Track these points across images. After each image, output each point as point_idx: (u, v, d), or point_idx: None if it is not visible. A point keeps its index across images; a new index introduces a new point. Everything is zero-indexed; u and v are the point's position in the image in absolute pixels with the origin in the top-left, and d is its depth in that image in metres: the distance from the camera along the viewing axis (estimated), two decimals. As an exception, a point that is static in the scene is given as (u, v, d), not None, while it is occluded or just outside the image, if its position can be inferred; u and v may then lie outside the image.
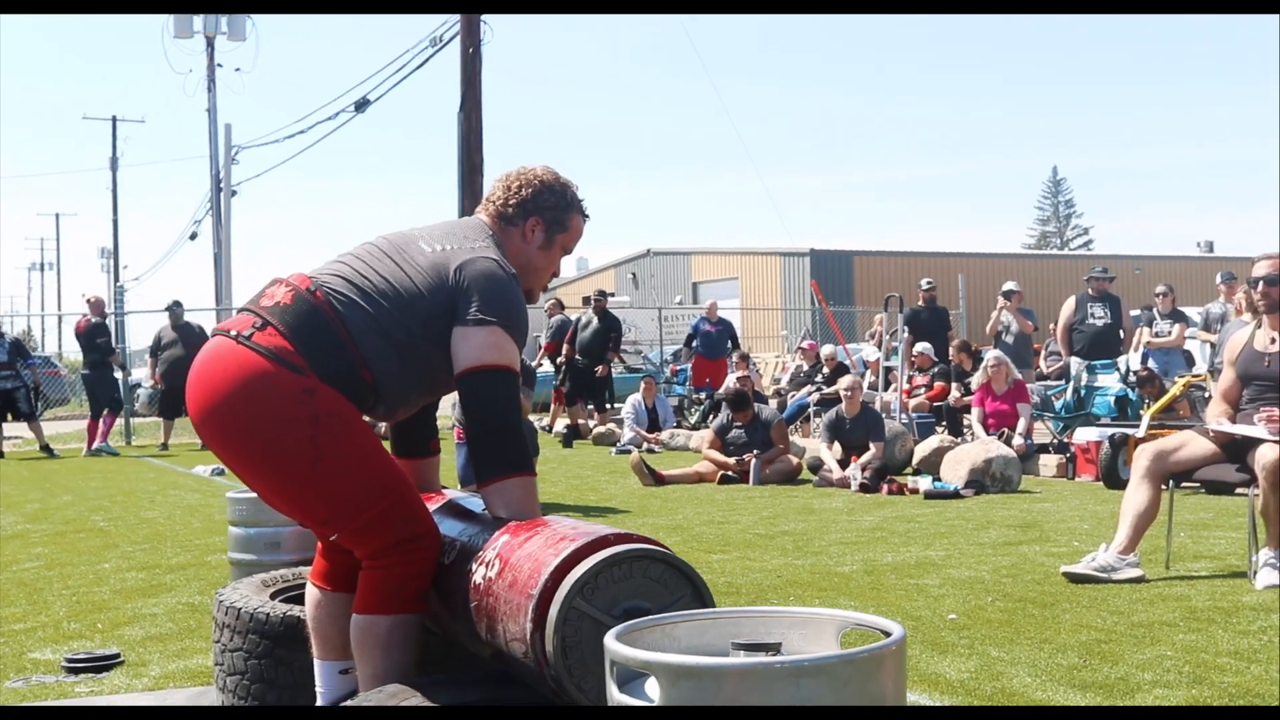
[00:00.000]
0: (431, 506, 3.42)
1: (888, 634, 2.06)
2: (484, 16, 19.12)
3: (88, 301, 17.72)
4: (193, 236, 36.92)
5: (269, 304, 3.16)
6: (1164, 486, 6.35)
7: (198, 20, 33.69)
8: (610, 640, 2.06)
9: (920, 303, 16.59)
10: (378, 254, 3.27)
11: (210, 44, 33.85)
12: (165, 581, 6.72)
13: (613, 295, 43.84)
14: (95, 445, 17.06)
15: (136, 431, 19.90)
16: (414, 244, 3.28)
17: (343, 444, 3.06)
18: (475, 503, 3.47)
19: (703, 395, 18.63)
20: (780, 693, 1.89)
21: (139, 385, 21.19)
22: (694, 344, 19.63)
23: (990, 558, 6.92)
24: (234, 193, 33.59)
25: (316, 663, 3.47)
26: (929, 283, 16.69)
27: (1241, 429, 6.16)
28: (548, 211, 3.43)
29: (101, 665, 4.79)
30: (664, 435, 16.00)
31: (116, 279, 50.40)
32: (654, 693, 1.98)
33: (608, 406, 17.95)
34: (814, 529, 8.21)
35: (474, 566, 2.99)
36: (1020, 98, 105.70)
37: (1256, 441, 6.04)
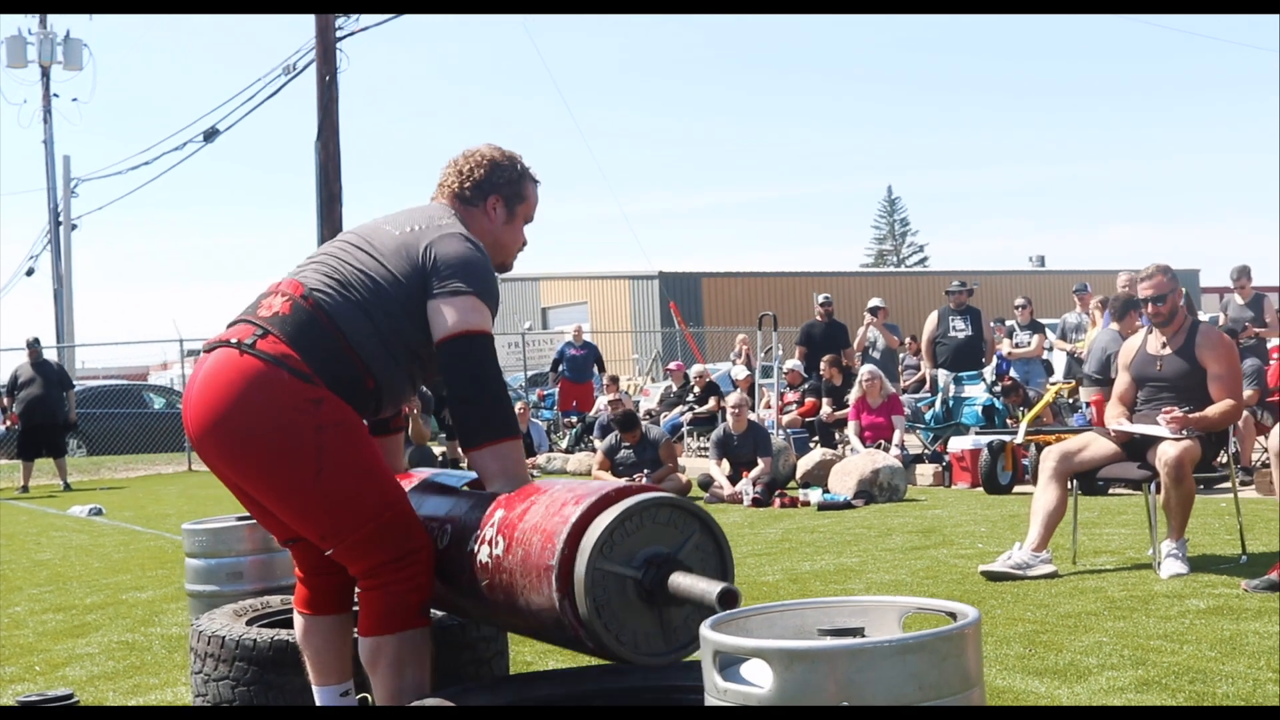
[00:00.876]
0: (408, 486, 3.43)
1: (953, 615, 2.22)
2: (340, 44, 19.04)
3: None
4: (29, 272, 35.84)
5: (267, 314, 3.15)
6: (1068, 486, 6.66)
7: (31, 49, 32.84)
8: (711, 632, 2.16)
9: (818, 317, 16.78)
10: (350, 249, 3.27)
11: (45, 73, 33.04)
12: (88, 621, 6.61)
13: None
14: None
15: (-8, 473, 19.30)
16: (380, 231, 3.31)
17: (347, 456, 3.06)
18: (451, 477, 3.51)
19: (573, 419, 18.76)
20: (888, 670, 2.02)
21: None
22: (560, 368, 19.75)
23: (904, 562, 7.16)
24: (74, 226, 32.81)
25: (315, 690, 3.46)
26: (826, 298, 16.87)
27: (1142, 428, 6.50)
28: (504, 187, 3.47)
29: (59, 706, 4.72)
30: (540, 460, 16.08)
31: (-56, 319, 48.67)
32: (757, 677, 2.09)
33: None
34: (722, 542, 8.37)
35: (476, 546, 3.02)
36: (856, 119, 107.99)
37: (1157, 440, 6.39)
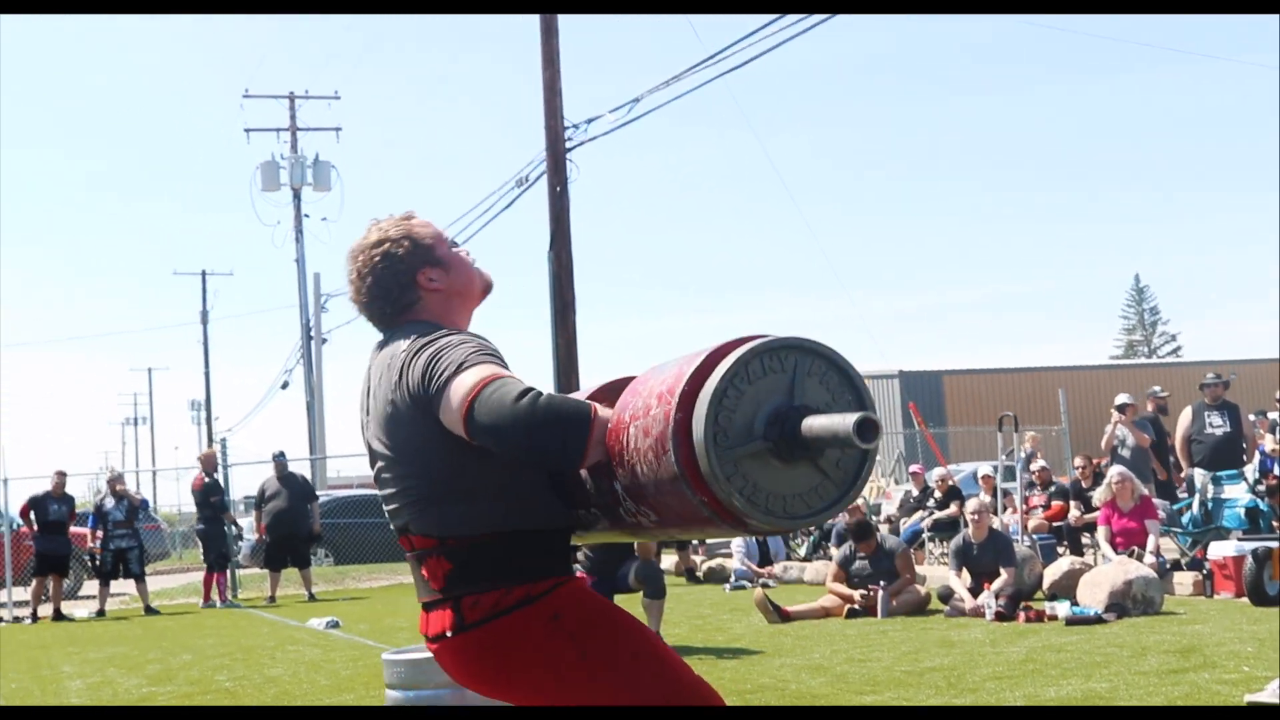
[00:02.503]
0: None
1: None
2: (570, 155, 19.26)
3: (200, 459, 18.17)
4: (284, 385, 37.36)
5: (436, 586, 2.83)
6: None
7: (284, 172, 34.43)
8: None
9: (1149, 409, 16.03)
10: (373, 447, 2.94)
11: (297, 195, 34.56)
12: (305, 744, 6.53)
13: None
14: (214, 600, 17.33)
15: (242, 584, 19.87)
16: (373, 413, 2.93)
17: (608, 649, 2.74)
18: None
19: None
20: None
21: (241, 537, 21.23)
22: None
23: (1160, 688, 6.58)
24: (325, 340, 34.07)
25: None
26: (1162, 391, 16.16)
27: None
28: (417, 253, 2.97)
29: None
30: (776, 569, 15.71)
31: (209, 431, 51.09)
32: None
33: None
34: (961, 663, 7.90)
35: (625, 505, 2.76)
36: (1097, 206, 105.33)
37: None
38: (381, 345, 2.98)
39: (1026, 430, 17.10)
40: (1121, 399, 15.45)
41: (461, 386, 2.63)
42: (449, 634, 2.79)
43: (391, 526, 2.94)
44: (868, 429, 2.37)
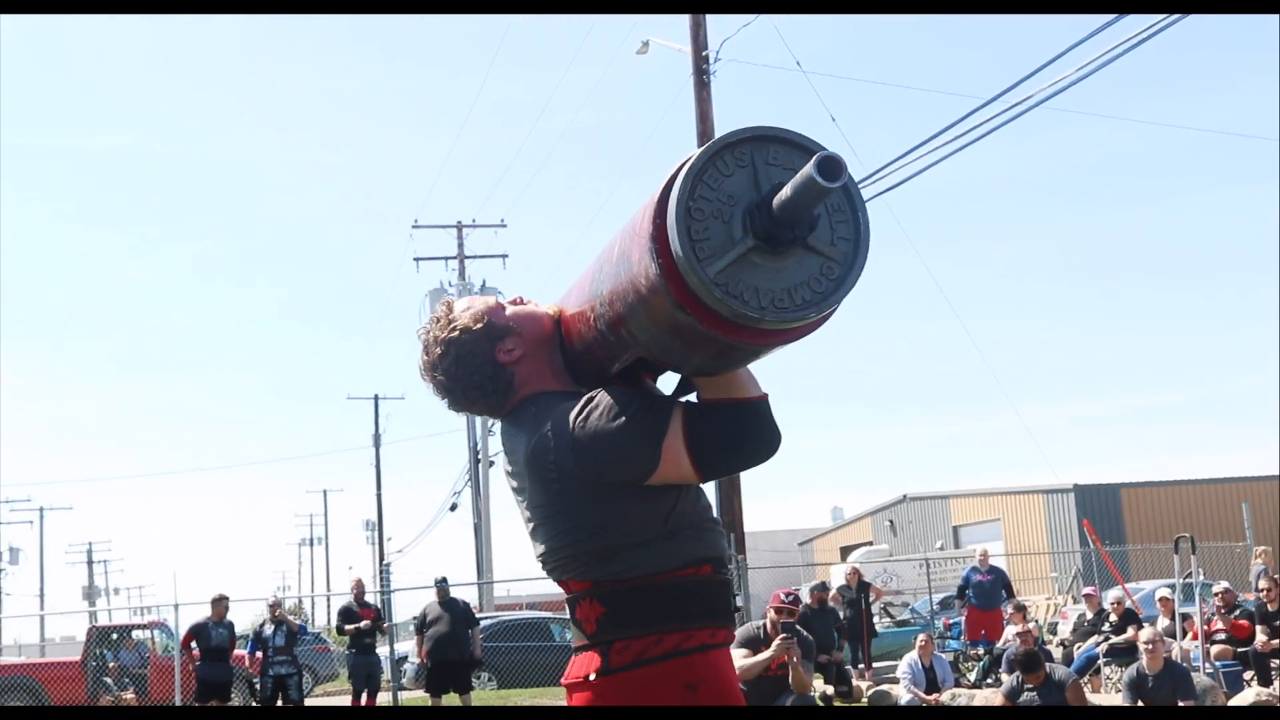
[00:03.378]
0: None
1: None
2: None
3: (352, 586, 18.45)
4: (453, 508, 37.71)
5: (589, 630, 2.79)
6: None
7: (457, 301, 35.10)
8: None
9: None
10: (527, 511, 2.89)
11: (465, 320, 35.15)
12: None
13: (870, 544, 43.03)
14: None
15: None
16: (525, 490, 2.88)
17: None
18: None
19: (979, 649, 17.73)
20: None
21: (405, 659, 21.31)
22: (967, 594, 18.81)
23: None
24: (492, 463, 34.36)
25: None
26: None
27: None
28: (482, 337, 2.89)
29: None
30: (944, 696, 15.16)
31: (381, 552, 51.79)
32: None
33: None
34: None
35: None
36: (1264, 311, 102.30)
37: None
38: (508, 432, 2.94)
39: (1257, 547, 16.40)
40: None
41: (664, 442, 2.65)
42: (591, 677, 2.72)
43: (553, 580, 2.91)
44: (829, 166, 2.25)
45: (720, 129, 18.88)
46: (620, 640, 2.70)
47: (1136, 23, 10.68)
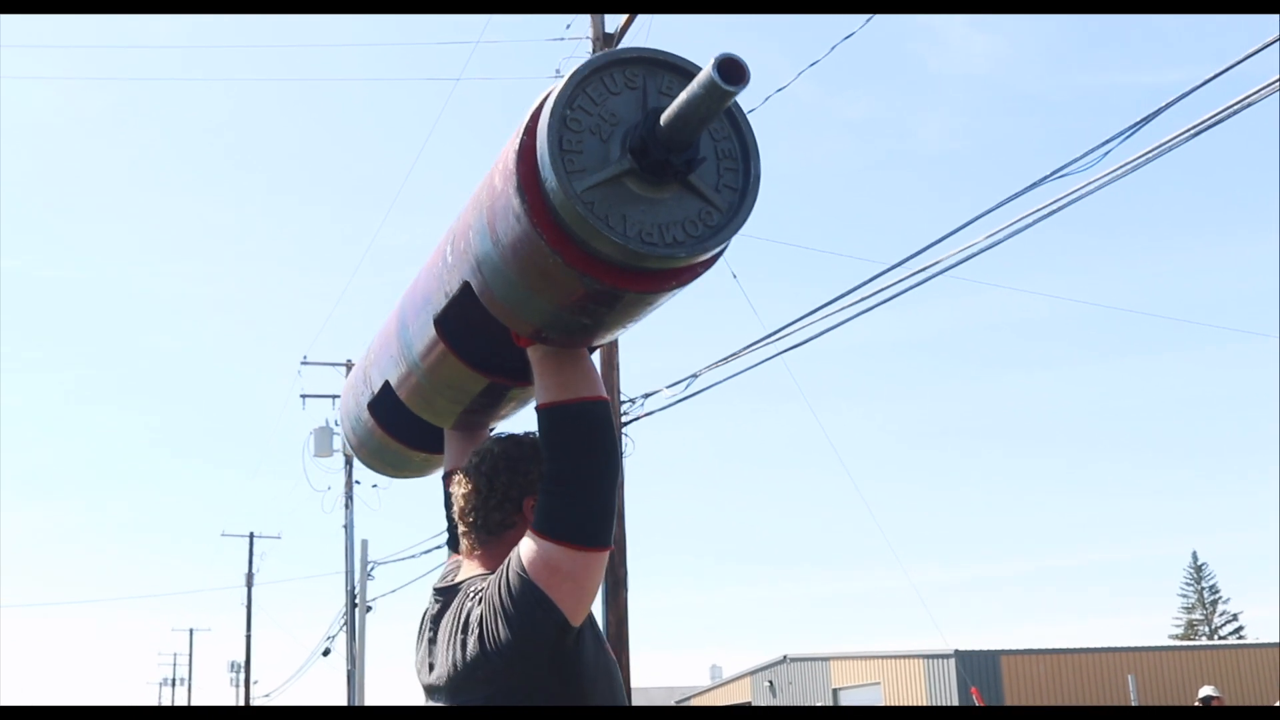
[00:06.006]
0: None
1: None
2: (626, 430, 19.06)
3: None
4: (326, 653, 36.72)
5: None
6: None
7: (337, 439, 34.46)
8: None
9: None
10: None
11: (349, 461, 34.49)
12: None
13: (749, 704, 42.53)
14: None
15: None
16: (438, 671, 2.77)
17: None
18: None
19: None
20: None
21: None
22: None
23: None
24: (369, 608, 33.49)
25: None
26: (1215, 692, 15.42)
27: None
28: (534, 479, 2.74)
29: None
30: None
31: (248, 695, 50.11)
32: None
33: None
34: None
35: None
36: (1150, 481, 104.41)
37: None
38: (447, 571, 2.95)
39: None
40: (1206, 691, 14.72)
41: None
42: None
43: None
44: (731, 68, 2.03)
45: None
46: None
47: (1047, 194, 10.79)
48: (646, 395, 18.46)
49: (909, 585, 75.77)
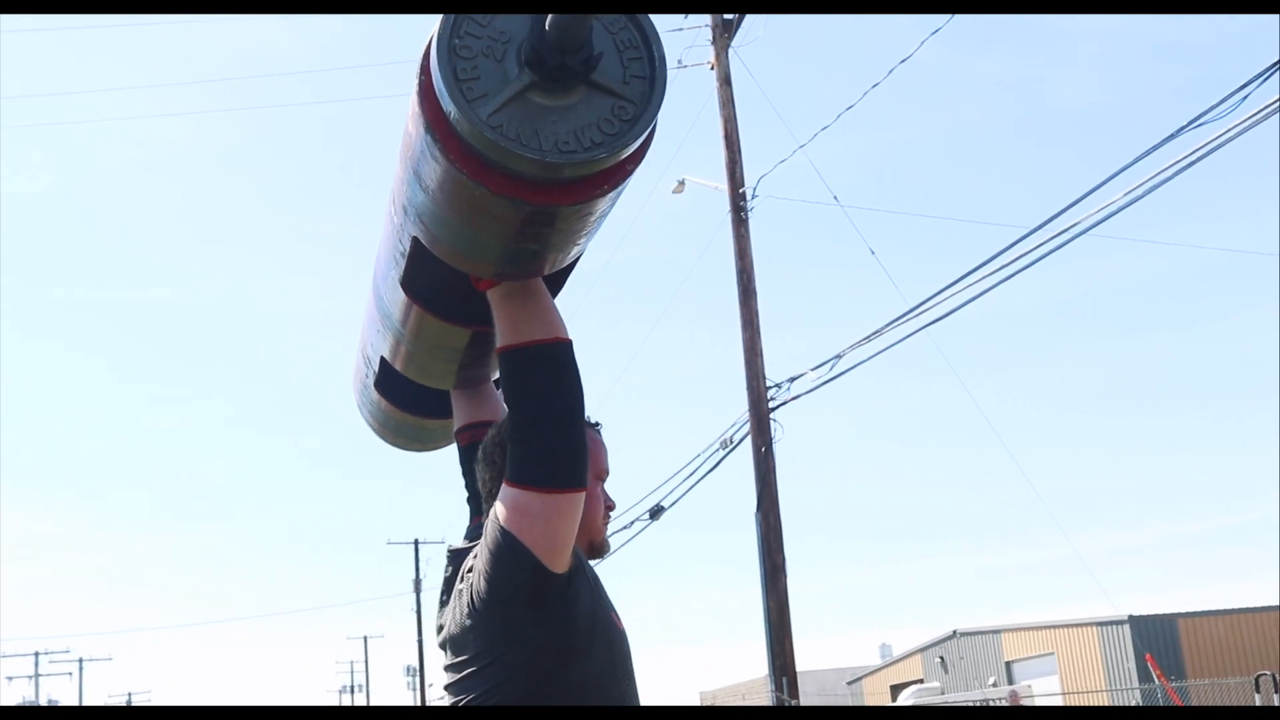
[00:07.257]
0: None
1: None
2: (773, 415, 18.94)
3: None
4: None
5: None
6: None
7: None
8: None
9: None
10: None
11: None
12: None
13: (921, 682, 42.02)
14: None
15: None
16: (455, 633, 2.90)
17: None
18: None
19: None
20: None
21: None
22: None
23: None
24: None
25: None
26: None
27: None
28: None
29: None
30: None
31: (424, 698, 51.05)
32: None
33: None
34: None
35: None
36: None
37: None
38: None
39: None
40: None
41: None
42: None
43: None
44: None
45: (760, 266, 18.79)
46: None
47: (1186, 144, 10.45)
48: (792, 379, 18.35)
49: (1074, 553, 73.97)
